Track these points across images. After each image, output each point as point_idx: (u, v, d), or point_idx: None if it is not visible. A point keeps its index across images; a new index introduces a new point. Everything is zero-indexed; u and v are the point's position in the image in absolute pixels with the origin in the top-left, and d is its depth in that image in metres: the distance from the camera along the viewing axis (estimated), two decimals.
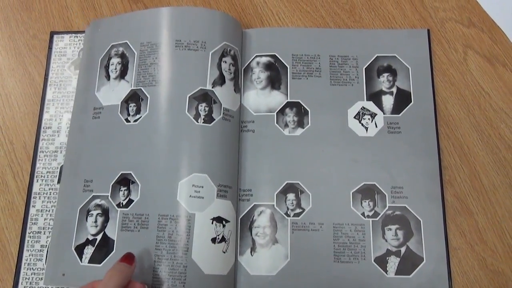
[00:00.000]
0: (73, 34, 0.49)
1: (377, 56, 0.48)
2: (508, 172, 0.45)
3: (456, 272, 0.43)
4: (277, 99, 0.47)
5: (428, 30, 0.49)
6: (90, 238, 0.42)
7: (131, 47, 0.46)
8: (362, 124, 0.46)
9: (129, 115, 0.44)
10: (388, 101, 0.47)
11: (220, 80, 0.45)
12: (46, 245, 0.44)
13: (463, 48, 0.49)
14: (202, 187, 0.42)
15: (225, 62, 0.46)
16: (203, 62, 0.45)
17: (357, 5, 0.51)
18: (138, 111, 0.44)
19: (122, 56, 0.46)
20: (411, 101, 0.47)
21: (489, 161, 0.46)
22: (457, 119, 0.47)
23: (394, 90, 0.47)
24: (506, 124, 0.47)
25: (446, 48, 0.49)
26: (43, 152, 0.46)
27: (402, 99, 0.47)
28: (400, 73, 0.47)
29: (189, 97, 0.44)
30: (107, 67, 0.47)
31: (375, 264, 0.42)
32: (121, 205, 0.42)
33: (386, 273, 0.42)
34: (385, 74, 0.47)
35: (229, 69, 0.46)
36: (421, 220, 0.43)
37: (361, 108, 0.46)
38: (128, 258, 0.37)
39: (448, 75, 0.48)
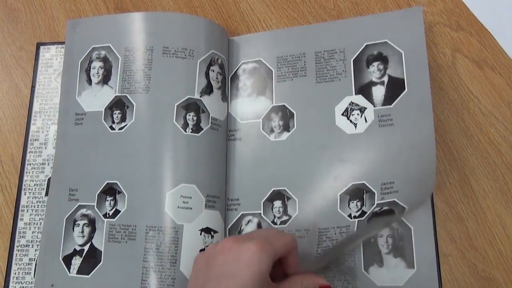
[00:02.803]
0: (60, 45, 0.49)
1: (366, 45, 0.45)
2: (498, 177, 0.45)
3: (447, 279, 0.42)
4: (263, 105, 0.46)
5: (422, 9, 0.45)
6: (78, 248, 0.42)
7: (115, 51, 0.45)
8: (351, 121, 0.44)
9: (113, 122, 0.44)
10: (379, 92, 0.44)
11: (208, 89, 0.44)
12: (34, 259, 0.44)
13: (451, 52, 0.49)
14: (191, 197, 0.41)
15: (213, 71, 0.45)
16: (191, 71, 0.44)
17: (344, 10, 0.51)
18: (123, 119, 0.44)
19: (105, 60, 0.45)
20: (404, 89, 0.43)
21: (479, 166, 0.45)
22: (446, 124, 0.47)
23: (385, 79, 0.44)
24: (495, 129, 0.46)
25: (434, 52, 0.49)
26: (30, 164, 0.46)
27: (395, 88, 0.43)
28: (392, 60, 0.44)
29: (177, 106, 0.43)
30: (88, 71, 0.46)
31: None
32: (107, 216, 0.42)
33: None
34: (375, 63, 0.44)
35: (217, 78, 0.45)
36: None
37: (349, 104, 0.44)
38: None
39: (437, 79, 0.48)
